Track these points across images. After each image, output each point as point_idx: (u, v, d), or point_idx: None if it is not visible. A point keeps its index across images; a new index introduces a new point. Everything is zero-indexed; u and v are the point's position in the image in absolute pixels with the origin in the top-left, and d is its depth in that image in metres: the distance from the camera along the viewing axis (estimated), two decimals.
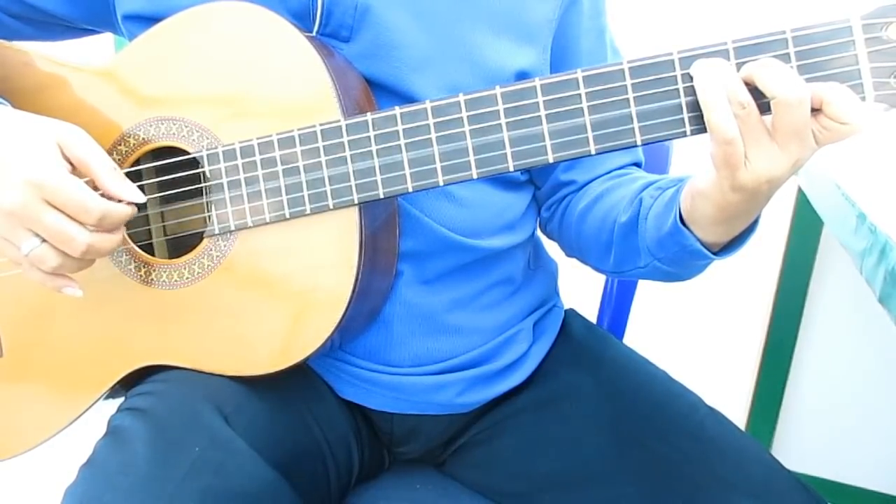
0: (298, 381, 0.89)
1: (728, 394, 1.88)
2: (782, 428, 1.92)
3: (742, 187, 0.69)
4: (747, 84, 0.67)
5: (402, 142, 0.76)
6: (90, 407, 0.89)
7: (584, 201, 0.95)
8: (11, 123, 0.78)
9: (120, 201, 0.77)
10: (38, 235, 0.75)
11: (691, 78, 0.69)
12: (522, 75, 0.90)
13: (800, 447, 1.91)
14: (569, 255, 1.03)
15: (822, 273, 1.81)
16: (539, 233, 1.06)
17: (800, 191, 1.72)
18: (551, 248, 1.10)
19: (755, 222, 0.77)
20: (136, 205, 0.79)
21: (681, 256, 0.81)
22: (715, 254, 0.79)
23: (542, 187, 1.02)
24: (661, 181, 0.87)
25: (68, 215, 0.74)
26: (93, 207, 0.74)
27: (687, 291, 1.82)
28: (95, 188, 0.76)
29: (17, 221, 0.75)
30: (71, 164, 0.77)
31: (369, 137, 0.76)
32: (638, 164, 1.01)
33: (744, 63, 0.68)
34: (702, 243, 0.77)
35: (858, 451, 1.87)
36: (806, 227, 1.77)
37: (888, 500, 1.86)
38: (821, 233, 1.78)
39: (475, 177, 0.75)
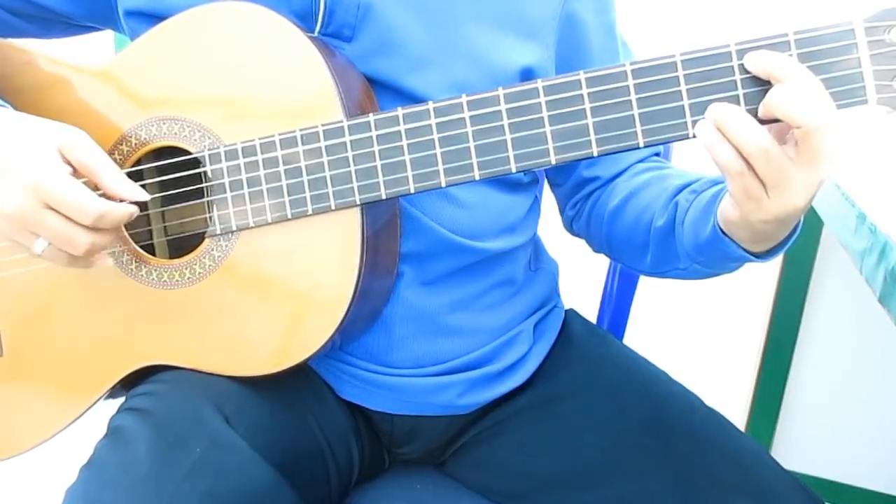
0: (299, 381, 0.89)
1: (728, 394, 1.88)
2: (782, 428, 1.92)
3: (775, 218, 0.69)
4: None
5: (405, 142, 0.76)
6: (90, 407, 0.89)
7: (614, 200, 0.95)
8: (11, 126, 0.78)
9: (122, 201, 0.77)
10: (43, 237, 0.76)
11: (694, 79, 0.69)
12: (527, 72, 0.90)
13: (800, 447, 1.91)
14: (597, 251, 1.03)
15: (822, 273, 1.81)
16: (539, 233, 1.06)
17: None
18: (551, 247, 1.10)
19: (795, 228, 0.77)
20: (138, 204, 0.79)
21: (721, 260, 0.81)
22: (758, 256, 0.78)
23: (563, 185, 1.02)
24: (695, 184, 0.86)
25: (67, 216, 0.75)
26: (90, 208, 0.75)
27: (687, 291, 1.83)
28: (97, 189, 0.77)
29: (19, 225, 0.76)
30: (72, 166, 0.77)
31: (371, 138, 0.76)
32: (658, 154, 1.01)
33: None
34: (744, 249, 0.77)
35: (858, 451, 1.87)
36: (806, 227, 1.75)
37: (888, 500, 1.86)
38: (821, 233, 1.78)
39: (477, 178, 0.75)
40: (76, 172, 0.77)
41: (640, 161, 0.99)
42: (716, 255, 0.80)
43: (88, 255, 0.77)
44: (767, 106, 0.66)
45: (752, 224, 0.71)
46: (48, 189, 0.74)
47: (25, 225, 0.76)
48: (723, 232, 0.76)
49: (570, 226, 1.06)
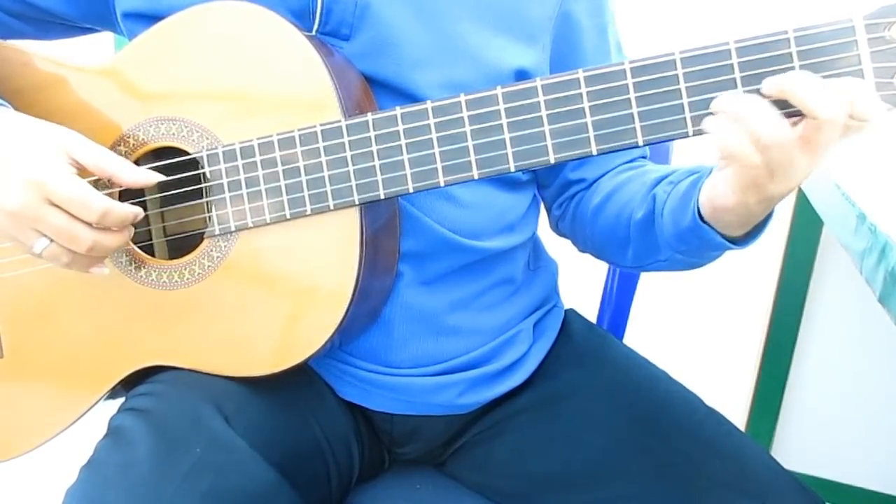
0: (299, 381, 0.89)
1: (728, 394, 1.88)
2: (782, 428, 1.92)
3: (770, 199, 0.70)
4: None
5: (403, 142, 0.76)
6: (91, 408, 0.89)
7: (597, 198, 0.95)
8: (14, 125, 0.78)
9: (135, 202, 0.79)
10: (45, 235, 0.76)
11: (694, 77, 0.69)
12: (522, 73, 0.90)
13: (800, 447, 1.91)
14: (582, 250, 1.04)
15: (822, 273, 1.81)
16: (539, 233, 1.06)
17: (800, 191, 1.71)
18: (551, 247, 1.10)
19: (770, 213, 0.78)
20: (140, 205, 0.80)
21: (702, 248, 0.81)
22: (735, 243, 0.79)
23: (550, 186, 1.02)
24: (672, 175, 0.87)
25: (71, 214, 0.75)
26: (95, 204, 0.75)
27: (687, 291, 1.83)
28: (99, 187, 0.77)
29: (22, 222, 0.76)
30: (78, 167, 0.77)
31: (370, 137, 0.76)
32: (644, 157, 1.02)
33: (746, 62, 0.68)
34: (722, 236, 0.78)
35: (858, 451, 1.87)
36: (806, 227, 1.77)
37: (888, 500, 1.86)
38: (821, 233, 1.78)
39: (476, 177, 0.75)
40: (81, 172, 0.77)
41: (626, 162, 0.99)
42: (696, 243, 0.80)
43: (91, 253, 0.77)
44: (787, 93, 0.66)
45: (748, 206, 0.71)
46: (52, 185, 0.74)
47: (28, 222, 0.76)
48: (702, 220, 0.77)
49: (556, 226, 1.06)
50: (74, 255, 0.78)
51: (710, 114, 0.69)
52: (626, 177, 0.95)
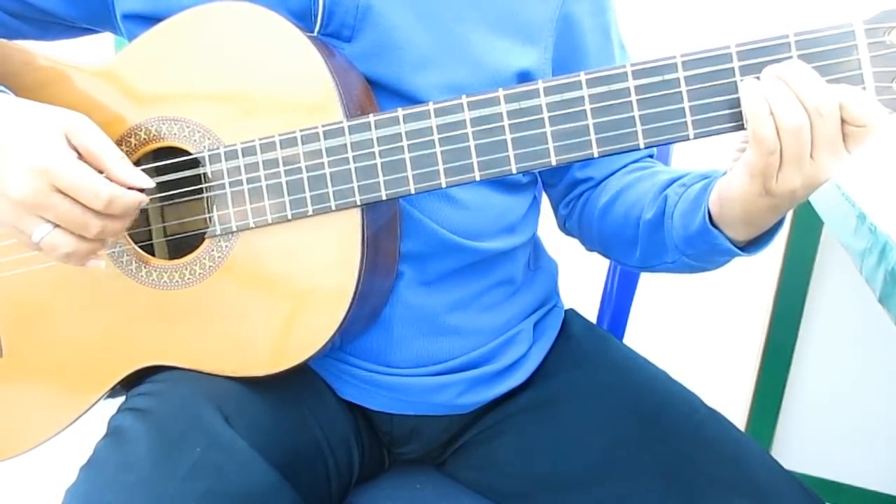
0: (299, 381, 0.89)
1: (728, 394, 1.89)
2: (782, 428, 1.92)
3: (772, 195, 0.70)
4: None
5: (405, 143, 0.76)
6: (91, 407, 0.89)
7: (605, 197, 0.95)
8: (15, 111, 0.78)
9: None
10: (49, 222, 0.76)
11: (695, 80, 0.69)
12: (524, 75, 0.90)
13: (800, 447, 1.91)
14: (590, 249, 1.04)
15: (822, 273, 1.81)
16: (539, 233, 1.06)
17: None
18: (551, 247, 1.10)
19: (780, 221, 0.78)
20: (144, 192, 0.79)
21: (709, 253, 0.82)
22: (743, 249, 0.79)
23: (557, 185, 1.02)
24: (684, 178, 0.87)
25: (77, 200, 0.75)
26: (102, 192, 0.75)
27: (687, 291, 1.83)
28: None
29: (26, 210, 0.75)
30: (77, 152, 0.77)
31: (371, 138, 0.76)
32: (651, 156, 1.02)
33: (747, 65, 0.68)
34: (730, 241, 0.78)
35: (858, 451, 1.87)
36: (806, 227, 1.77)
37: (888, 500, 1.86)
38: (821, 233, 1.78)
39: (478, 178, 0.75)
40: (81, 158, 0.77)
41: (634, 161, 0.99)
42: (704, 247, 0.81)
43: (98, 237, 0.77)
44: (783, 78, 0.67)
45: (754, 197, 0.71)
46: (59, 173, 0.74)
47: (33, 209, 0.75)
48: (712, 223, 0.77)
49: (564, 225, 1.06)
50: (76, 243, 0.77)
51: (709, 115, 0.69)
52: (635, 176, 0.95)
